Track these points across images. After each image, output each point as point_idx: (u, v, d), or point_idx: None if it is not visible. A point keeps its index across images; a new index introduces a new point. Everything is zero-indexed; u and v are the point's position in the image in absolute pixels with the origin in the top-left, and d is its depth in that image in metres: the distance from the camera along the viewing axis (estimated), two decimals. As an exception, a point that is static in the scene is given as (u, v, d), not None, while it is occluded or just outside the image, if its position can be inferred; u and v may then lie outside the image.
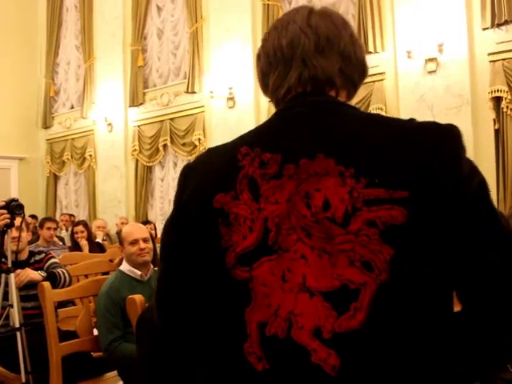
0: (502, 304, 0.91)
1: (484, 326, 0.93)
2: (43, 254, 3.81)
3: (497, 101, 6.60)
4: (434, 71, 6.92)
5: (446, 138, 0.97)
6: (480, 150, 6.72)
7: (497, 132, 6.67)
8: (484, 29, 6.71)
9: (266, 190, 0.99)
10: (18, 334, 3.11)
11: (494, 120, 6.64)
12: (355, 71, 1.12)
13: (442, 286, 0.94)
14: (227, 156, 1.07)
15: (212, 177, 1.06)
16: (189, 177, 1.11)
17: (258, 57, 1.16)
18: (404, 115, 7.10)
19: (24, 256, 3.65)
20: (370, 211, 0.92)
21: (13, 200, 3.27)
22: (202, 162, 1.12)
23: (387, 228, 0.91)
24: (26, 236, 3.73)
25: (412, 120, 1.01)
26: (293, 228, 0.97)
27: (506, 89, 6.48)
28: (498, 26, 6.59)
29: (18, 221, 3.35)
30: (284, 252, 0.97)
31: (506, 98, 6.49)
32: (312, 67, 1.07)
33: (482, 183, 0.95)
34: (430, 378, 0.93)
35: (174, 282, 1.11)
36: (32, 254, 3.77)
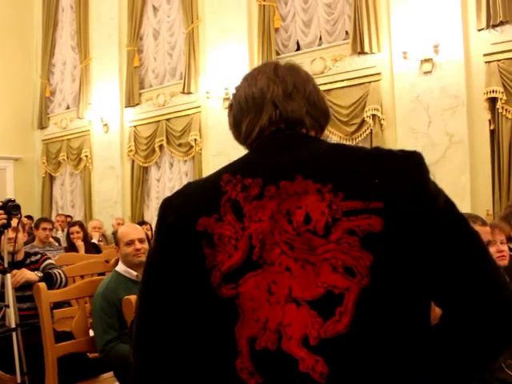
0: (471, 317, 0.97)
1: (456, 339, 0.99)
2: (39, 255, 3.80)
3: (492, 101, 6.62)
4: (430, 72, 6.94)
5: (412, 159, 1.06)
6: (475, 151, 6.75)
7: (492, 133, 6.69)
8: (479, 30, 6.73)
9: (249, 210, 1.05)
10: (14, 334, 3.10)
11: (490, 121, 6.66)
12: (320, 115, 1.21)
13: (417, 291, 0.99)
14: (209, 184, 1.14)
15: (194, 203, 1.12)
16: (169, 207, 1.15)
17: (230, 106, 1.26)
18: (400, 116, 7.14)
19: (20, 257, 3.64)
20: (350, 221, 0.98)
21: (9, 201, 3.27)
22: (182, 192, 1.18)
23: (366, 235, 0.97)
24: (22, 237, 3.73)
25: (378, 148, 1.11)
26: (276, 243, 1.02)
27: (502, 89, 6.50)
28: (494, 26, 6.61)
29: (14, 221, 3.34)
30: (269, 266, 1.01)
31: (501, 99, 6.51)
32: (283, 109, 1.16)
33: (447, 199, 1.05)
34: (411, 379, 0.97)
35: (158, 307, 1.12)
36: (28, 255, 3.77)
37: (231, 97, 1.28)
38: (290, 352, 0.97)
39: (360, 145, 7.66)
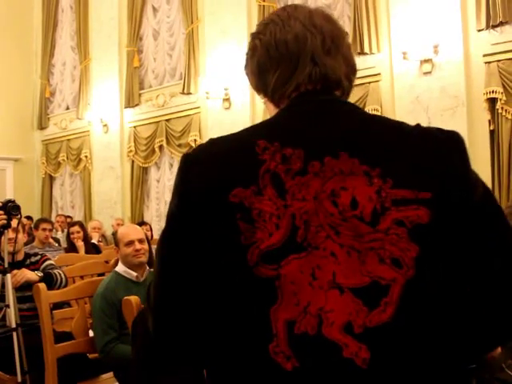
0: (503, 307, 0.98)
1: (485, 329, 1.01)
2: (39, 256, 3.81)
3: (492, 102, 6.62)
4: (430, 72, 6.94)
5: (458, 143, 1.04)
6: (475, 151, 6.74)
7: (492, 133, 6.69)
8: (479, 30, 6.73)
9: (292, 186, 0.97)
10: (15, 334, 3.10)
11: (489, 121, 6.66)
12: (353, 75, 1.13)
13: (458, 282, 0.99)
14: (242, 148, 1.01)
15: (226, 169, 1.00)
16: (194, 168, 1.03)
17: (253, 50, 1.12)
18: (399, 116, 7.13)
19: (20, 257, 3.64)
20: (399, 211, 0.95)
21: (9, 201, 3.27)
22: (209, 152, 1.05)
23: (414, 227, 0.95)
24: (22, 237, 3.73)
25: (419, 126, 1.07)
26: (321, 225, 0.96)
27: (501, 90, 6.50)
28: (493, 27, 6.61)
29: (14, 222, 3.34)
30: (313, 249, 0.96)
31: (500, 99, 6.51)
32: (323, 66, 1.05)
33: (486, 188, 1.02)
34: (450, 370, 0.99)
35: (177, 279, 1.02)
36: (28, 255, 3.77)
37: (253, 38, 1.13)
38: (332, 337, 0.95)
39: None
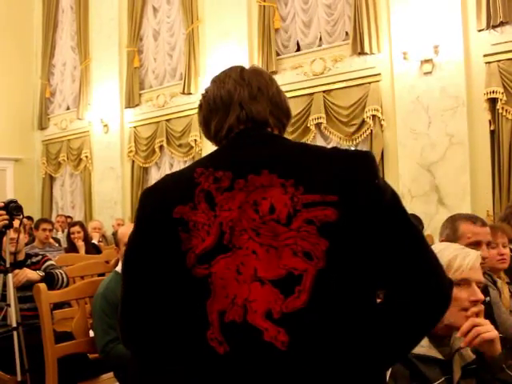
0: (410, 296, 1.13)
1: (396, 316, 1.15)
2: (40, 256, 3.81)
3: (492, 102, 6.63)
4: (430, 72, 6.94)
5: (365, 159, 1.21)
6: (475, 152, 6.75)
7: (492, 133, 6.69)
8: (479, 30, 6.73)
9: (221, 200, 1.19)
10: (15, 333, 3.10)
11: (490, 121, 6.66)
12: (282, 115, 1.36)
13: (367, 274, 1.15)
14: (184, 176, 1.26)
15: (171, 193, 1.25)
16: (148, 197, 1.29)
17: (200, 107, 1.39)
18: (400, 116, 7.14)
19: (21, 257, 3.65)
20: (308, 212, 1.13)
21: (11, 201, 3.27)
22: (160, 183, 1.32)
23: (323, 224, 1.12)
24: (23, 238, 3.73)
25: (335, 148, 1.25)
26: (244, 229, 1.16)
27: (502, 90, 6.51)
28: (494, 27, 6.61)
29: (16, 222, 3.34)
30: (237, 249, 1.16)
31: (501, 100, 6.51)
32: (248, 110, 1.30)
33: (394, 194, 1.20)
34: (362, 352, 1.13)
35: (140, 286, 1.24)
36: (29, 255, 3.77)
37: (202, 97, 1.39)
38: (255, 324, 1.12)
39: (360, 146, 7.68)
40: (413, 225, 1.19)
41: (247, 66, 1.40)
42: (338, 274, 1.11)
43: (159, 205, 1.24)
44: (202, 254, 1.17)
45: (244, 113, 1.29)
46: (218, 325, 1.14)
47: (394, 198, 1.19)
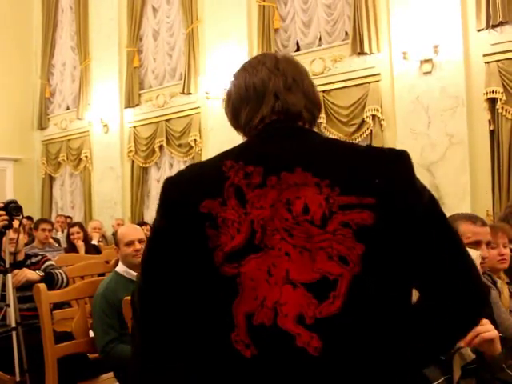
0: (447, 300, 1.11)
1: (432, 320, 1.12)
2: (39, 257, 3.81)
3: (492, 102, 6.62)
4: (430, 72, 6.94)
5: (402, 159, 1.17)
6: (475, 151, 6.75)
7: (492, 133, 6.69)
8: (479, 30, 6.73)
9: (252, 197, 1.14)
10: (14, 333, 3.10)
11: (489, 121, 6.66)
12: (315, 108, 1.31)
13: (403, 278, 1.12)
14: (212, 168, 1.20)
15: (198, 185, 1.19)
16: (173, 187, 1.24)
17: (229, 95, 1.33)
18: (400, 116, 7.14)
19: (20, 258, 3.64)
20: (345, 214, 1.09)
21: (11, 202, 3.27)
22: (185, 174, 1.26)
23: (359, 228, 1.09)
24: (22, 238, 3.73)
25: (370, 146, 1.24)
26: (276, 229, 1.12)
27: (501, 90, 6.50)
28: (493, 27, 6.61)
29: (15, 223, 3.34)
30: (269, 250, 1.11)
31: (501, 99, 6.51)
32: (284, 101, 1.24)
33: (431, 196, 1.16)
34: (398, 357, 1.10)
35: (160, 281, 1.20)
36: (28, 256, 3.77)
37: (230, 85, 1.33)
38: (286, 328, 1.08)
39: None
40: (451, 228, 1.16)
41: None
42: (373, 280, 1.08)
43: (185, 197, 1.19)
44: (231, 253, 1.12)
45: (279, 103, 1.24)
46: (244, 327, 1.10)
47: (431, 201, 1.16)
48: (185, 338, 1.19)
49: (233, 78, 1.33)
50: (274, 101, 1.24)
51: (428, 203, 1.15)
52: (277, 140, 1.22)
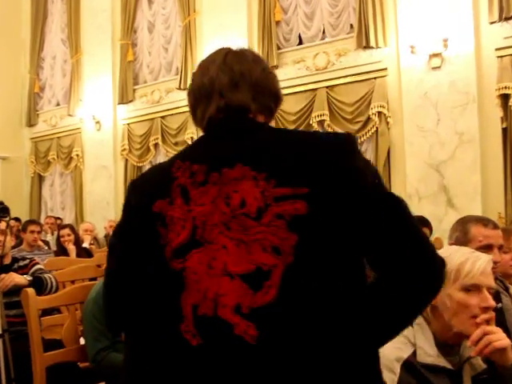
0: (404, 272, 1.18)
1: (389, 295, 1.20)
2: (27, 260, 3.80)
3: (504, 98, 6.63)
4: (439, 67, 6.94)
5: (340, 143, 1.25)
6: (487, 150, 6.75)
7: (504, 131, 6.69)
8: (491, 23, 6.74)
9: (195, 194, 1.27)
10: (0, 340, 3.10)
11: (502, 118, 6.67)
12: (269, 99, 1.41)
13: (346, 262, 1.20)
14: (165, 170, 1.35)
15: (152, 187, 1.36)
16: (133, 191, 1.42)
17: (188, 94, 1.47)
18: (407, 113, 7.14)
19: (7, 261, 3.63)
20: (278, 206, 1.18)
21: (-2, 202, 3.27)
22: (144, 176, 1.45)
23: (292, 218, 1.17)
24: (9, 240, 3.72)
25: (315, 132, 1.33)
26: (215, 224, 1.23)
27: (514, 85, 6.51)
28: (506, 19, 6.62)
29: (2, 224, 3.33)
30: (209, 244, 1.23)
31: (514, 95, 6.51)
32: (228, 98, 1.35)
33: (376, 175, 1.25)
34: (339, 342, 1.18)
35: (121, 275, 1.37)
36: (15, 259, 3.76)
37: (189, 85, 1.48)
38: (225, 318, 1.19)
39: (365, 144, 7.69)
40: (399, 204, 1.23)
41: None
42: (308, 268, 1.17)
43: (141, 199, 1.36)
44: (177, 248, 1.25)
45: (223, 102, 1.35)
46: (191, 318, 1.22)
47: (376, 180, 1.24)
48: (141, 326, 1.34)
49: (192, 77, 1.47)
50: (219, 99, 1.35)
51: (372, 183, 1.22)
52: (221, 137, 1.34)
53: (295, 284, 1.16)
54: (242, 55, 1.41)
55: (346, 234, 1.18)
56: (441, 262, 1.23)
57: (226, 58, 1.39)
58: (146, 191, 1.36)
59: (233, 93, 1.35)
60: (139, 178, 1.45)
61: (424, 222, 4.76)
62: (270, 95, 1.41)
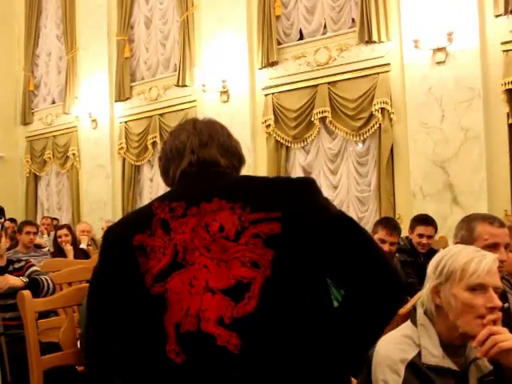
0: (367, 293, 1.33)
1: (354, 313, 1.35)
2: (23, 262, 3.80)
3: (510, 93, 6.62)
4: (443, 62, 6.94)
5: (305, 182, 1.49)
6: (492, 147, 6.74)
7: (511, 127, 6.69)
8: (497, 16, 6.73)
9: (175, 225, 1.43)
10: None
11: (508, 114, 6.66)
12: (233, 158, 1.63)
13: (316, 277, 1.37)
14: (144, 210, 1.53)
15: (131, 225, 1.51)
16: (111, 231, 1.54)
17: (160, 158, 1.68)
18: (411, 109, 7.14)
19: (2, 263, 3.64)
20: (255, 227, 1.36)
21: (-9, 203, 3.26)
22: (122, 219, 1.61)
23: (268, 237, 1.35)
24: (4, 242, 3.72)
25: (279, 177, 1.55)
26: (196, 247, 1.39)
27: (521, 80, 6.51)
28: (512, 12, 6.61)
29: (-3, 226, 3.34)
30: (190, 265, 1.37)
31: (520, 91, 6.51)
32: (199, 154, 1.57)
33: (337, 208, 1.45)
34: (316, 350, 1.32)
35: (103, 308, 1.48)
36: (10, 261, 3.76)
37: (160, 151, 1.71)
38: (208, 331, 1.31)
39: (368, 141, 7.70)
40: (361, 230, 1.42)
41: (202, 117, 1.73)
42: (284, 280, 1.32)
43: (120, 235, 1.49)
44: (158, 274, 1.38)
45: (195, 156, 1.56)
46: (174, 337, 1.33)
47: (337, 211, 1.44)
48: (125, 354, 1.45)
49: (162, 145, 1.68)
50: (191, 155, 1.56)
51: (335, 214, 1.43)
52: (197, 180, 1.54)
53: (274, 294, 1.31)
54: (210, 123, 1.66)
55: (313, 255, 1.35)
56: (396, 274, 1.39)
57: (195, 124, 1.63)
58: (126, 228, 1.50)
59: (204, 149, 1.57)
60: (116, 222, 1.59)
61: (427, 220, 4.77)
62: (235, 156, 1.63)
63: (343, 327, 1.36)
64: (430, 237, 4.66)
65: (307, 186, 1.46)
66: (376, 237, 4.03)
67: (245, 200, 1.41)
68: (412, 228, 4.74)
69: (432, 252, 4.69)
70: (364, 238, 1.41)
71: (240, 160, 1.66)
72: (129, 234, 1.46)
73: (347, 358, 1.39)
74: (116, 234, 1.52)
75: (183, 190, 1.54)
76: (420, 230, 4.65)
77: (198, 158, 1.56)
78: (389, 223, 4.26)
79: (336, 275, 1.40)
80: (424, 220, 4.78)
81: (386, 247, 3.98)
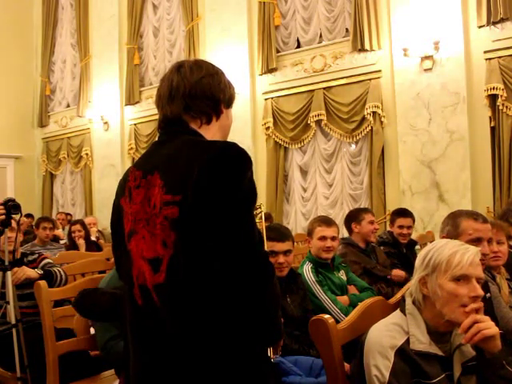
0: (241, 270, 1.42)
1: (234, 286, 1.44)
2: (36, 255, 3.80)
3: (493, 98, 6.63)
4: (430, 69, 6.93)
5: (220, 156, 1.45)
6: (476, 148, 6.74)
7: (493, 129, 6.69)
8: (480, 26, 6.73)
9: (134, 196, 1.57)
10: (14, 330, 3.10)
11: (490, 117, 6.67)
12: (203, 104, 1.59)
13: (209, 257, 1.43)
14: (126, 174, 1.66)
15: (120, 187, 1.67)
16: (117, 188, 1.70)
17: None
18: (400, 113, 7.15)
19: (17, 256, 3.63)
20: (165, 209, 1.46)
21: (9, 200, 3.26)
22: (120, 180, 1.72)
23: (172, 220, 1.45)
24: (19, 236, 3.71)
25: (214, 142, 1.52)
26: (141, 219, 1.54)
27: (502, 86, 6.51)
28: (494, 23, 6.61)
29: (13, 223, 3.33)
30: (136, 234, 1.55)
31: (501, 96, 6.52)
32: (164, 111, 1.62)
33: (247, 196, 1.45)
34: (212, 314, 1.45)
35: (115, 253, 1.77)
36: (24, 254, 3.75)
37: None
38: (149, 287, 1.52)
39: (360, 142, 7.70)
40: (246, 220, 1.44)
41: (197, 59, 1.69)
42: (183, 258, 1.43)
43: (116, 196, 1.68)
44: (127, 234, 1.59)
45: (162, 114, 1.63)
46: (137, 285, 1.56)
47: (242, 199, 1.43)
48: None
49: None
50: (161, 111, 1.63)
51: (237, 200, 1.42)
52: (156, 145, 1.62)
53: (176, 270, 1.45)
54: (181, 66, 1.62)
55: (205, 238, 1.41)
56: (265, 255, 1.50)
57: (171, 73, 1.62)
58: (118, 191, 1.67)
59: (169, 105, 1.60)
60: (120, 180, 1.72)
61: (405, 212, 4.84)
62: (207, 99, 1.59)
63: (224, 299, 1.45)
64: (409, 227, 4.73)
65: (220, 165, 1.42)
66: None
67: (166, 178, 1.48)
68: (392, 221, 4.79)
69: (412, 243, 4.74)
70: (244, 230, 1.44)
71: (215, 102, 1.61)
72: (119, 195, 1.66)
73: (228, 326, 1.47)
74: (116, 194, 1.69)
75: (145, 157, 1.64)
76: (400, 221, 4.70)
77: (163, 116, 1.63)
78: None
79: (220, 255, 1.43)
80: (402, 212, 4.85)
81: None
